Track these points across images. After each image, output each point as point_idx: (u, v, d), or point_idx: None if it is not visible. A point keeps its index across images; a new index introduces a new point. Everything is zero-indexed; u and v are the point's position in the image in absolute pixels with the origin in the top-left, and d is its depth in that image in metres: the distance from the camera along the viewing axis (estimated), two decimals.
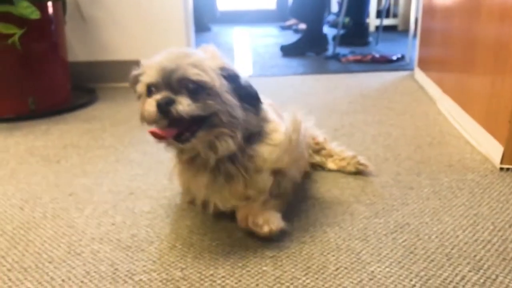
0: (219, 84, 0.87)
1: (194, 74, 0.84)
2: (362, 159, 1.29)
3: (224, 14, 5.57)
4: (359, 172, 1.27)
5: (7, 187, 1.26)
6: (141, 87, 0.90)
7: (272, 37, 4.41)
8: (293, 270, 0.85)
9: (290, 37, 4.16)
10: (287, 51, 3.31)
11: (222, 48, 2.99)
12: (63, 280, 0.85)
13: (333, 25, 4.63)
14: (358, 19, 3.72)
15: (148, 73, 0.88)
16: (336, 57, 3.09)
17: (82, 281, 0.84)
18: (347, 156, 1.29)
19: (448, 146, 1.48)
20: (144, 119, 0.89)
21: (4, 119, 1.86)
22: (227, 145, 0.91)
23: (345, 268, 0.86)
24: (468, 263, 0.86)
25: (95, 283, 0.84)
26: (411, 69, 2.64)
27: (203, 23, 4.73)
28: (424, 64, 2.36)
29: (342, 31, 3.43)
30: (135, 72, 0.94)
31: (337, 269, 0.86)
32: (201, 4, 4.52)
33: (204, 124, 0.87)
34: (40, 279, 0.85)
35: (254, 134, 0.97)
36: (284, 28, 5.02)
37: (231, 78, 0.90)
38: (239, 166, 0.95)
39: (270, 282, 0.82)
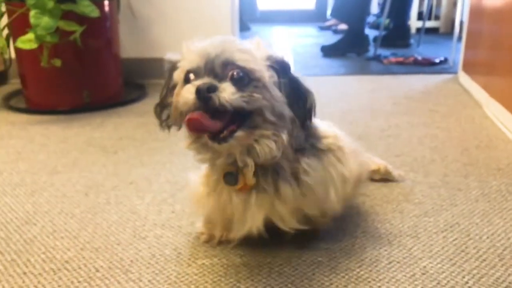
0: (268, 75, 0.76)
1: (241, 59, 0.74)
2: (390, 168, 1.25)
3: (264, 13, 5.62)
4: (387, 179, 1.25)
5: (71, 174, 1.35)
6: (178, 74, 0.79)
7: (312, 37, 4.43)
8: (347, 262, 0.89)
9: (330, 38, 4.17)
10: (328, 51, 3.33)
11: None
12: (131, 261, 0.92)
13: (373, 26, 4.61)
14: (399, 21, 3.70)
15: (188, 58, 0.77)
16: (377, 58, 3.09)
17: (149, 263, 0.91)
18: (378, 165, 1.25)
19: (496, 150, 1.48)
20: (178, 109, 0.77)
21: (61, 111, 1.97)
22: (270, 150, 0.77)
23: (398, 262, 0.89)
24: None
25: (161, 265, 0.90)
26: (455, 72, 2.62)
27: (242, 22, 4.79)
28: (470, 68, 2.34)
29: (383, 33, 3.42)
30: (172, 57, 0.84)
31: (389, 262, 0.89)
32: (242, 3, 4.58)
33: (245, 123, 0.75)
34: (111, 259, 0.92)
35: (304, 147, 0.84)
36: (323, 28, 5.02)
37: (281, 69, 0.78)
38: (290, 179, 0.82)
39: (326, 272, 0.87)
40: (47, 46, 1.77)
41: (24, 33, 1.74)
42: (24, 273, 0.88)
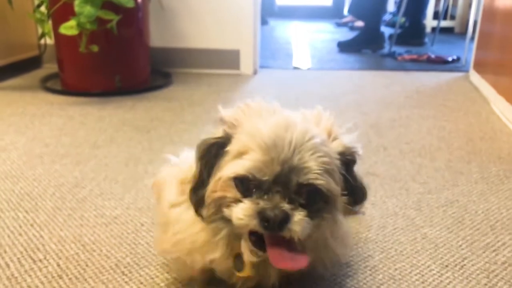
0: (339, 184, 0.65)
1: (324, 182, 0.62)
2: None
3: (282, 8, 5.75)
4: None
5: (110, 148, 1.50)
6: (233, 171, 0.62)
7: (328, 33, 4.54)
8: (357, 226, 1.03)
9: (346, 34, 4.29)
10: (344, 47, 3.45)
11: (281, 42, 3.25)
12: None
13: (389, 24, 4.71)
14: (415, 20, 3.80)
15: (255, 156, 0.61)
16: (392, 55, 3.20)
17: None
18: None
19: (499, 141, 1.60)
20: (217, 202, 0.65)
21: (94, 94, 2.13)
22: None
23: (401, 229, 1.03)
24: (510, 233, 1.01)
25: None
26: (466, 71, 2.72)
27: (261, 16, 4.92)
28: (480, 66, 2.45)
29: (399, 31, 3.53)
30: (213, 136, 0.67)
31: (394, 229, 1.03)
32: None
33: None
34: (152, 217, 1.07)
35: None
36: (339, 24, 5.13)
37: (347, 165, 0.68)
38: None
39: None
40: (86, 33, 1.92)
41: (66, 20, 1.89)
42: (81, 225, 1.03)
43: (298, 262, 0.63)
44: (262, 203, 0.61)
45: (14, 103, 1.98)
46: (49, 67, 2.59)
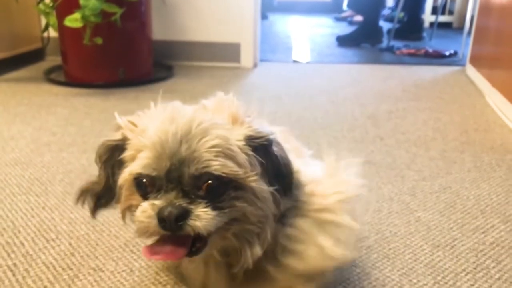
0: (250, 169, 0.60)
1: (219, 167, 0.56)
2: None
3: (281, 3, 5.78)
4: None
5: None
6: (126, 174, 0.60)
7: (328, 28, 4.58)
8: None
9: (345, 28, 4.33)
10: (343, 41, 3.49)
11: (280, 36, 3.31)
12: None
13: (388, 19, 4.75)
14: (413, 14, 3.84)
15: (143, 154, 0.58)
16: (390, 49, 3.24)
17: None
18: None
19: (492, 133, 1.65)
20: (138, 231, 0.60)
21: (98, 85, 2.17)
22: (252, 252, 0.63)
23: (396, 212, 1.08)
24: (499, 217, 1.06)
25: None
26: (463, 65, 2.77)
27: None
28: (476, 60, 2.49)
29: (397, 25, 3.57)
30: (110, 138, 0.65)
31: (389, 212, 1.08)
32: None
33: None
34: None
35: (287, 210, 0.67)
36: (338, 19, 5.17)
37: (261, 149, 0.62)
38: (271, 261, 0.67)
39: None
40: (90, 25, 1.96)
41: (70, 13, 1.93)
42: None
43: (170, 254, 0.58)
44: (158, 203, 0.57)
45: (19, 94, 2.03)
46: (52, 60, 2.63)
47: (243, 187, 0.59)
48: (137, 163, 0.58)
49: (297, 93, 2.15)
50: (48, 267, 0.85)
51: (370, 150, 1.45)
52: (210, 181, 0.57)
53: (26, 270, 0.85)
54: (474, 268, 0.87)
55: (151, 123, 0.60)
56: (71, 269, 0.85)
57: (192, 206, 0.56)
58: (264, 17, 5.11)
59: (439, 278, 0.84)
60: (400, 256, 0.91)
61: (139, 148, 0.59)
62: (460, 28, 3.62)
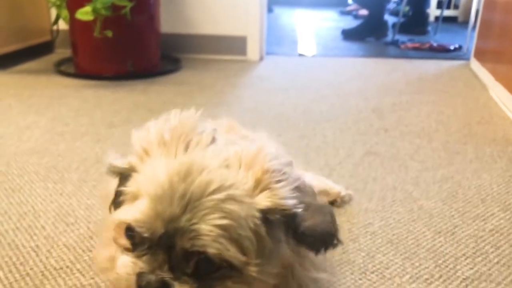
0: (255, 255, 0.53)
1: (216, 251, 0.50)
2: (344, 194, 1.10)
3: None
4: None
5: (126, 127, 1.58)
6: (119, 220, 0.55)
7: (333, 21, 4.60)
8: (358, 197, 1.12)
9: (350, 22, 4.35)
10: (348, 35, 3.52)
11: (286, 29, 3.34)
12: None
13: (393, 13, 4.76)
14: (418, 9, 3.86)
15: (141, 205, 0.52)
16: (395, 43, 3.27)
17: None
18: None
19: (495, 125, 1.69)
20: (116, 282, 0.56)
21: (107, 77, 2.21)
22: None
23: (400, 201, 1.12)
24: (499, 205, 1.10)
25: None
26: (467, 59, 2.79)
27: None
28: (480, 55, 2.52)
29: (402, 19, 3.59)
30: (116, 164, 0.60)
31: (393, 201, 1.12)
32: None
33: None
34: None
35: None
36: (344, 13, 5.18)
37: (287, 221, 0.55)
38: None
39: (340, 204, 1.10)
40: (101, 18, 2.00)
41: (81, 6, 1.97)
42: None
43: None
44: (141, 264, 0.52)
45: (31, 85, 2.07)
46: (61, 52, 2.68)
47: (242, 276, 0.52)
48: (132, 213, 0.52)
49: (303, 86, 2.19)
50: (69, 249, 0.90)
51: (375, 142, 1.49)
52: (201, 260, 0.51)
53: (48, 251, 0.89)
54: (474, 253, 0.92)
55: (163, 165, 0.54)
56: (90, 251, 0.90)
57: (174, 282, 0.51)
58: (269, 10, 5.11)
59: (440, 262, 0.89)
60: (403, 242, 0.95)
61: (141, 193, 0.53)
62: (465, 23, 3.64)
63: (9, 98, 1.87)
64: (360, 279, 0.84)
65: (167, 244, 0.51)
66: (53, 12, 2.36)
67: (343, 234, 0.96)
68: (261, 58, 2.75)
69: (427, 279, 0.84)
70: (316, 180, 1.06)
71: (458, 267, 0.87)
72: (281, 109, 1.83)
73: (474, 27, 2.84)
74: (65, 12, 2.01)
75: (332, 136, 1.54)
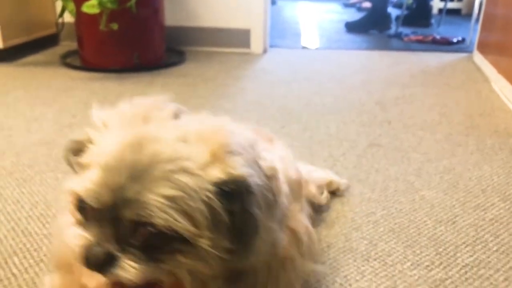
0: (207, 227, 0.51)
1: (164, 221, 0.49)
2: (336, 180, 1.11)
3: None
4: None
5: None
6: (71, 190, 0.53)
7: (336, 14, 4.60)
8: (361, 187, 1.15)
9: (354, 15, 4.35)
10: (352, 27, 3.52)
11: (289, 22, 3.36)
12: None
13: (396, 5, 4.75)
14: (422, 1, 3.85)
15: (92, 175, 0.51)
16: (398, 36, 3.27)
17: None
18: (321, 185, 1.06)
19: (497, 117, 1.70)
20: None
21: (113, 70, 2.23)
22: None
23: (402, 191, 1.14)
24: (499, 196, 1.12)
25: None
26: (471, 52, 2.80)
27: None
28: (483, 47, 2.53)
29: (405, 12, 3.59)
30: (74, 138, 0.60)
31: (395, 191, 1.14)
32: None
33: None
34: None
35: None
36: (347, 5, 5.18)
37: (236, 194, 0.53)
38: None
39: (343, 193, 1.12)
40: (106, 12, 2.02)
41: None
42: None
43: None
44: (87, 237, 0.51)
45: (37, 77, 2.10)
46: (66, 45, 2.70)
47: (190, 245, 0.51)
48: (82, 183, 0.51)
49: (306, 79, 2.21)
50: None
51: (378, 134, 1.52)
52: (149, 230, 0.49)
53: None
54: (474, 241, 0.94)
55: (117, 136, 0.54)
56: None
57: (119, 254, 0.50)
58: (272, 2, 5.12)
59: (440, 249, 0.91)
60: (405, 230, 0.98)
61: (93, 162, 0.52)
62: (469, 15, 3.64)
63: (16, 90, 1.90)
64: (362, 265, 0.86)
65: (114, 216, 0.50)
66: (59, 5, 2.37)
67: (346, 223, 0.99)
68: (265, 51, 2.77)
69: (427, 266, 0.87)
70: (315, 172, 1.08)
71: (458, 254, 0.90)
72: (284, 102, 1.85)
73: (477, 19, 2.84)
74: (71, 5, 2.03)
75: (336, 128, 1.56)
